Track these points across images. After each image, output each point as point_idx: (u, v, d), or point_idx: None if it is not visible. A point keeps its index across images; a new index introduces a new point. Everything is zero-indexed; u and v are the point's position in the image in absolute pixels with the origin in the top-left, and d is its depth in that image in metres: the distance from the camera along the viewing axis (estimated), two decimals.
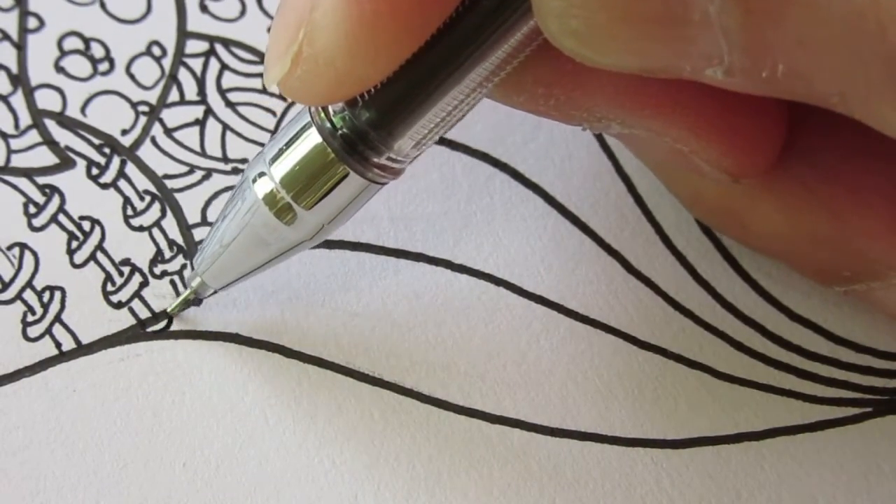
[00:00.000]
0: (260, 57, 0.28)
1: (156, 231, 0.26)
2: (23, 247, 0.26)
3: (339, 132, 0.21)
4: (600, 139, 0.28)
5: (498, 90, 0.20)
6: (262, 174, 0.22)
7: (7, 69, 0.27)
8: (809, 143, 0.22)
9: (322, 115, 0.21)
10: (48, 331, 0.25)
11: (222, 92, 0.28)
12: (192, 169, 0.27)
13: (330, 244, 0.26)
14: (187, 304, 0.25)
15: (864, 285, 0.23)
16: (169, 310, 0.25)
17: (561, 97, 0.21)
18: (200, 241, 0.26)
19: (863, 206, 0.22)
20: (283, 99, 0.28)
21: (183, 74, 0.28)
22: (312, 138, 0.21)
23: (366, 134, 0.20)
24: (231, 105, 0.28)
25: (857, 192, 0.22)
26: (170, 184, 0.27)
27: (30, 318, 0.25)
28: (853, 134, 0.22)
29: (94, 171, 0.27)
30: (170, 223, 0.26)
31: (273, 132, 0.27)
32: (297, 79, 0.19)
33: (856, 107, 0.17)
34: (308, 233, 0.22)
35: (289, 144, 0.21)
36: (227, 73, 0.28)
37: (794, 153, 0.22)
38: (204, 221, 0.26)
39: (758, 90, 0.18)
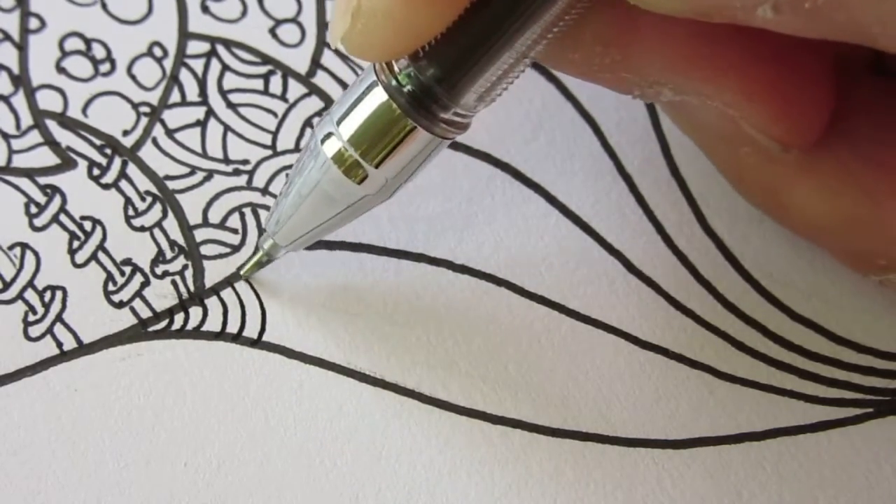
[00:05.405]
0: (261, 58, 0.28)
1: (157, 231, 0.26)
2: (24, 247, 0.26)
3: (405, 89, 0.21)
4: (601, 138, 0.28)
5: (555, 47, 0.21)
6: (329, 134, 0.22)
7: (8, 70, 0.27)
8: (851, 124, 0.23)
9: (387, 72, 0.21)
10: (49, 330, 0.25)
11: (223, 93, 0.28)
12: (194, 170, 0.27)
13: (331, 245, 0.26)
14: (259, 265, 0.25)
15: None
16: (242, 272, 0.25)
17: (617, 56, 0.21)
18: (205, 235, 0.26)
19: None
20: (285, 101, 0.28)
21: (184, 75, 0.28)
22: (378, 96, 0.21)
23: (430, 89, 0.21)
24: (232, 106, 0.28)
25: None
26: (171, 185, 0.27)
27: (31, 318, 0.25)
28: (895, 118, 0.22)
29: (96, 172, 0.27)
30: (171, 224, 0.26)
31: (274, 133, 0.27)
32: (358, 33, 0.20)
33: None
34: (376, 188, 0.22)
35: (355, 104, 0.22)
36: (228, 74, 0.28)
37: (835, 134, 0.22)
38: (205, 222, 0.26)
39: (805, 29, 0.18)
